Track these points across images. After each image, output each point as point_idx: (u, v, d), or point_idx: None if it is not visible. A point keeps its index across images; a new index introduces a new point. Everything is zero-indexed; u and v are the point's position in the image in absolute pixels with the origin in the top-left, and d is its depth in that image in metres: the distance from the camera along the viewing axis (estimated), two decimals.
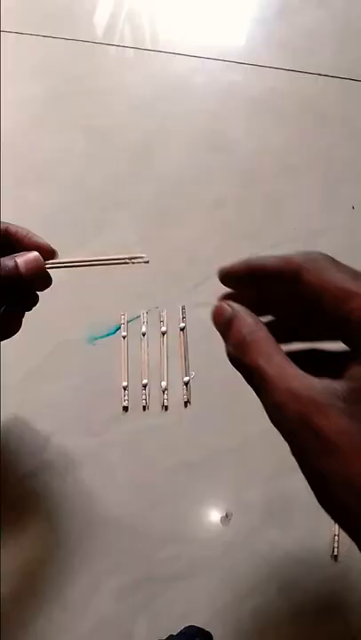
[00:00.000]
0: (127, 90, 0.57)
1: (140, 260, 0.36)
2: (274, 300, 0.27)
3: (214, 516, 0.42)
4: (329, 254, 0.25)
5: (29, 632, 0.39)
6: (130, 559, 0.41)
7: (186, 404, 0.45)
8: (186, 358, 0.46)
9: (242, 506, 0.42)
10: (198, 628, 0.38)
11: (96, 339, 0.46)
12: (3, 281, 0.31)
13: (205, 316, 0.47)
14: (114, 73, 0.58)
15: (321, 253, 0.25)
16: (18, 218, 0.51)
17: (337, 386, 0.22)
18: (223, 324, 0.26)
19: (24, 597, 0.40)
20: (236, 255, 0.48)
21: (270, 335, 0.25)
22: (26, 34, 0.61)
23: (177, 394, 0.45)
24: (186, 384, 0.45)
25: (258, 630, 0.39)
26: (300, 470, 0.23)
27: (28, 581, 0.40)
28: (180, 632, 0.38)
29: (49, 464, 0.43)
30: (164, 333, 0.47)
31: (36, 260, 0.33)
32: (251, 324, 0.25)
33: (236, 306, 0.26)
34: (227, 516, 0.42)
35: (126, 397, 0.45)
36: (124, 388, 0.45)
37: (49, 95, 0.56)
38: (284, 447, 0.22)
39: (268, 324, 0.25)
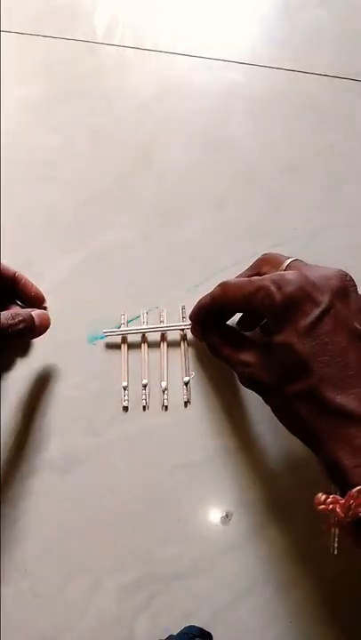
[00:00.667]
0: (128, 89, 0.57)
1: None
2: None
3: (214, 515, 0.42)
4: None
5: (30, 632, 0.39)
6: (130, 559, 0.41)
7: (186, 403, 0.45)
8: (186, 358, 0.46)
9: (242, 506, 0.42)
10: (199, 628, 0.38)
11: (96, 339, 0.46)
12: (22, 330, 0.38)
13: None
14: (115, 73, 0.58)
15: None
16: (19, 218, 0.51)
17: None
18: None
19: (24, 597, 0.40)
20: (236, 254, 0.48)
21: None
22: (26, 34, 0.61)
23: (177, 394, 0.45)
24: (186, 384, 0.45)
25: (258, 630, 0.39)
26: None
27: (28, 581, 0.40)
28: (181, 632, 0.38)
29: (49, 463, 0.43)
30: (163, 334, 0.47)
31: (47, 317, 0.41)
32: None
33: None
34: (227, 515, 0.42)
35: (126, 397, 0.45)
36: (124, 388, 0.45)
37: (50, 95, 0.56)
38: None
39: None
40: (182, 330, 0.46)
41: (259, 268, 0.41)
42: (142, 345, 0.46)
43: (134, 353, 0.46)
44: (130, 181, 0.52)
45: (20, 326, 0.37)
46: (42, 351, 0.46)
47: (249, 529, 0.41)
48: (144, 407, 0.45)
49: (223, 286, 0.39)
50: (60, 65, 0.58)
